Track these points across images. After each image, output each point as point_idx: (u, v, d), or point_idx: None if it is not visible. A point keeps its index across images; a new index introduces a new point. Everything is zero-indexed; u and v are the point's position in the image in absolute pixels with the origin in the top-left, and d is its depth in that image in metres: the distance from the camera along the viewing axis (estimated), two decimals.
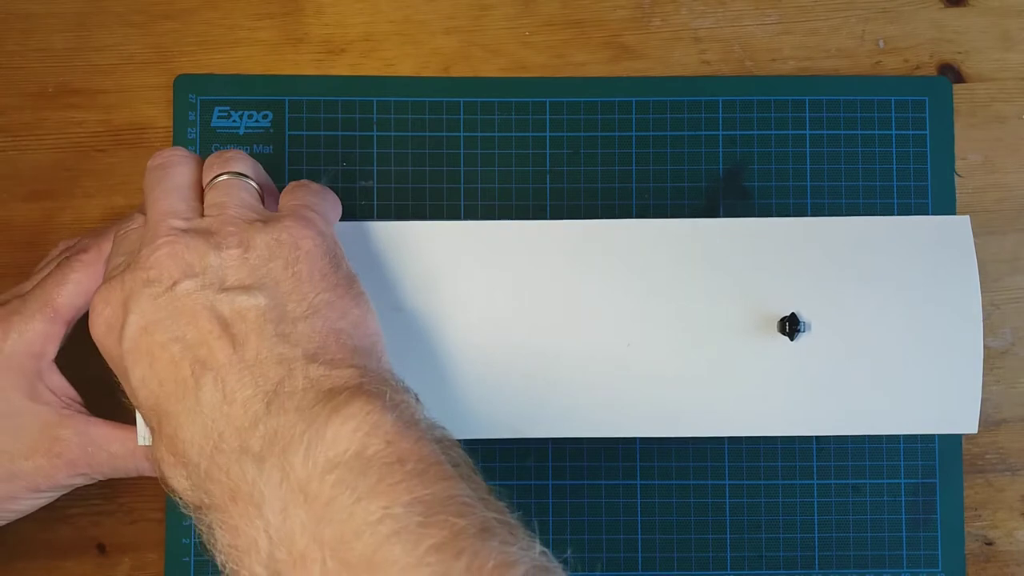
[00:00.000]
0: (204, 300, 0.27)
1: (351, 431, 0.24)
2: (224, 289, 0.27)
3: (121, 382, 0.29)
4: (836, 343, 0.35)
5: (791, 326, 0.34)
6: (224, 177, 0.31)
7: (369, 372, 0.27)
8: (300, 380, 0.26)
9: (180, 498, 0.27)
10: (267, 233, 0.29)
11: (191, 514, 0.27)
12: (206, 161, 0.32)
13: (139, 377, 0.27)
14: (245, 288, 0.28)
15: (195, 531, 0.39)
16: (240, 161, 0.32)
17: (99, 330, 0.29)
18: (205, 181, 0.32)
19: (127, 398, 0.30)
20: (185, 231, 0.29)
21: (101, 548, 0.40)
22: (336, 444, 0.24)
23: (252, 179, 0.32)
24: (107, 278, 0.30)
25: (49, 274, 0.35)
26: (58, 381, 0.35)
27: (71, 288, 0.34)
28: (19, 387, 0.33)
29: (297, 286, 0.28)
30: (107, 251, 0.35)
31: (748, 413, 0.35)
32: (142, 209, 0.33)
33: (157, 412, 0.27)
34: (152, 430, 0.28)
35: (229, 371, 0.26)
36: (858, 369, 0.35)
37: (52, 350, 0.34)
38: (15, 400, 0.33)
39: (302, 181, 0.34)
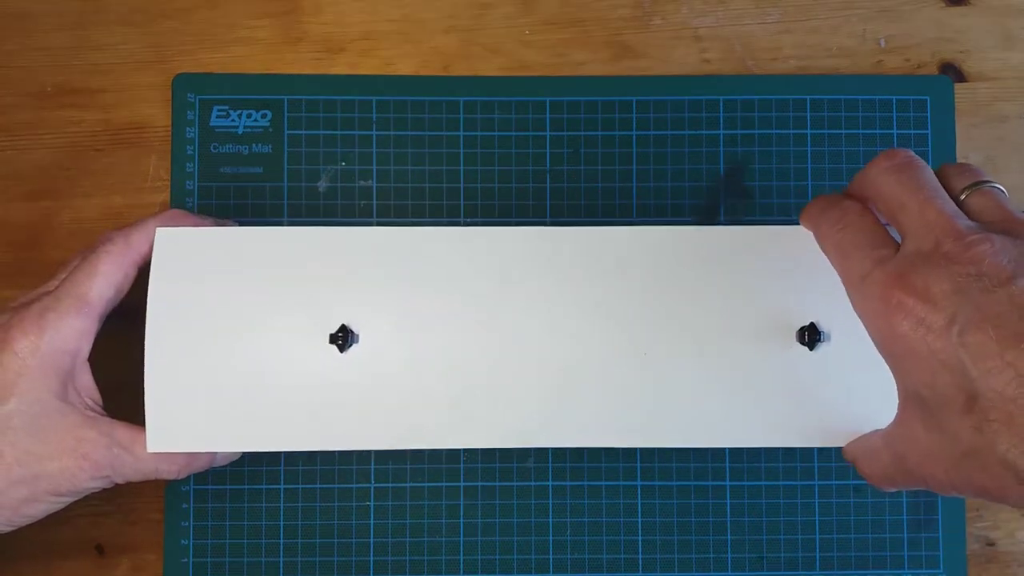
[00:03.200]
0: None
1: None
2: None
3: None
4: (856, 353, 0.34)
5: (810, 336, 0.34)
6: (989, 187, 0.31)
7: None
8: None
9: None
10: None
11: None
12: (944, 170, 0.32)
13: (1006, 376, 0.27)
14: None
15: (193, 532, 0.40)
16: (982, 172, 0.32)
17: (904, 327, 0.28)
18: (957, 188, 0.31)
19: None
20: (985, 230, 0.28)
21: (100, 549, 0.40)
22: None
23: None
24: (888, 274, 0.29)
25: (77, 268, 0.34)
26: (87, 382, 0.35)
27: (102, 281, 0.34)
28: (52, 387, 0.33)
29: None
30: (135, 242, 0.35)
31: (765, 424, 0.34)
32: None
33: (965, 396, 0.27)
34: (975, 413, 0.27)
35: None
36: (879, 380, 0.33)
37: (86, 347, 0.34)
38: (46, 400, 0.33)
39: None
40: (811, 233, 0.34)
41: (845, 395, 0.34)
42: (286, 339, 0.34)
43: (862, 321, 0.30)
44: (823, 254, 0.33)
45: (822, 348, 0.34)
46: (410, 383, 0.34)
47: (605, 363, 0.34)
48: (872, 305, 0.29)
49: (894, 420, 0.31)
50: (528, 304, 0.35)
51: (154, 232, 0.35)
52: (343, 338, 0.34)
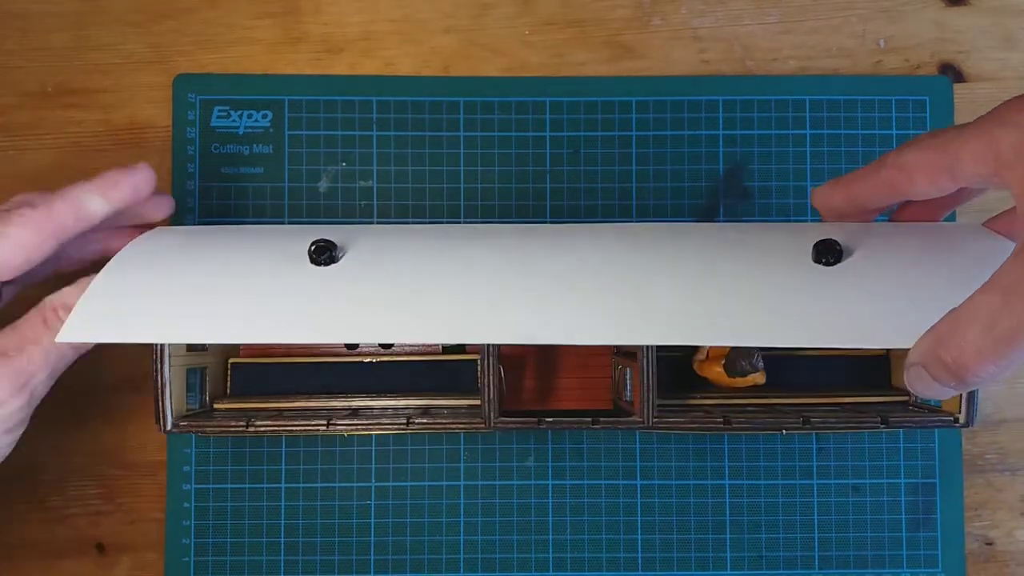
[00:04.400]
0: None
1: None
2: None
3: None
4: (874, 270, 0.31)
5: (828, 254, 0.31)
6: None
7: None
8: None
9: None
10: None
11: None
12: None
13: None
14: None
15: (194, 531, 0.40)
16: None
17: None
18: None
19: None
20: None
21: (100, 548, 0.40)
22: None
23: None
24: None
25: None
26: None
27: (7, 245, 0.30)
28: None
29: None
30: (58, 212, 0.31)
31: (781, 323, 0.30)
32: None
33: None
34: None
35: None
36: (896, 294, 0.31)
37: None
38: None
39: None
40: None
41: (875, 310, 0.30)
42: (263, 258, 0.32)
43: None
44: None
45: (842, 267, 0.31)
46: (399, 289, 0.31)
47: (607, 270, 0.32)
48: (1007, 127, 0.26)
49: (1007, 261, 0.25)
50: (532, 229, 0.34)
51: (79, 202, 0.32)
52: (324, 250, 0.31)
